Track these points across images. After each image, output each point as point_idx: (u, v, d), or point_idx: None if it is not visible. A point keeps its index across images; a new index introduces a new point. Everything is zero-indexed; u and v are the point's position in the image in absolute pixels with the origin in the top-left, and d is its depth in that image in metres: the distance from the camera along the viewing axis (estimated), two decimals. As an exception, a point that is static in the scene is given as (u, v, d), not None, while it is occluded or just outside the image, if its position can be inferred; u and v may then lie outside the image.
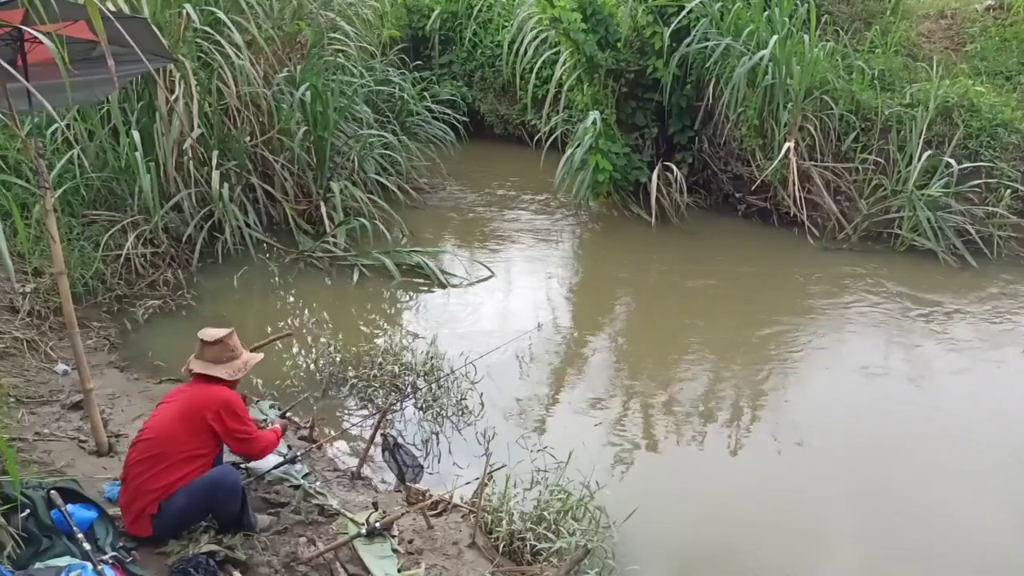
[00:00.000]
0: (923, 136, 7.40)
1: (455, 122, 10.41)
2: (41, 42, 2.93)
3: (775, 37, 7.47)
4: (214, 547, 3.25)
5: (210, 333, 3.50)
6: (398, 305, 6.79)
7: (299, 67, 7.92)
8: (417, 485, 4.19)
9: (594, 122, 7.95)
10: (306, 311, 6.72)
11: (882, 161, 7.64)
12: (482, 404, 5.08)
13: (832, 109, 7.70)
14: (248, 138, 7.39)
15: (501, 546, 3.64)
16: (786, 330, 6.23)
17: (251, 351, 4.37)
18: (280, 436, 3.75)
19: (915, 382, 5.55)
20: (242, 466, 3.91)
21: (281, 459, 3.96)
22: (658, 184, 8.06)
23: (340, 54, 8.71)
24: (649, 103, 8.56)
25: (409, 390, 5.16)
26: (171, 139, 6.56)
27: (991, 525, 4.12)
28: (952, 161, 7.22)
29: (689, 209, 8.30)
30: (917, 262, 7.25)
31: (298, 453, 4.07)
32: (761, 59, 7.47)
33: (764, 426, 5.04)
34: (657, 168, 8.16)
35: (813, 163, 7.76)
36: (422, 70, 11.51)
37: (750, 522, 4.13)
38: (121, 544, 3.24)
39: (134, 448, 3.36)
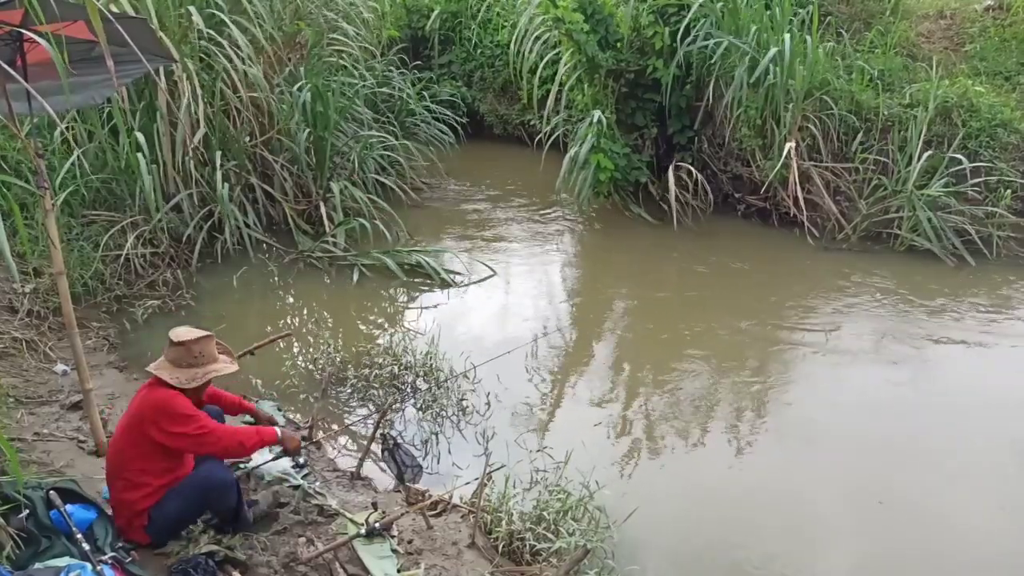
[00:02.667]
0: (923, 136, 7.40)
1: (455, 122, 10.41)
2: (40, 42, 2.93)
3: (787, 36, 7.46)
4: (214, 547, 3.24)
5: (178, 333, 3.26)
6: (398, 305, 6.79)
7: (300, 67, 7.93)
8: (416, 485, 4.19)
9: (598, 121, 7.96)
10: (306, 311, 6.72)
11: (882, 161, 7.65)
12: (488, 404, 5.09)
13: (832, 109, 7.71)
14: (248, 138, 7.40)
15: (500, 546, 3.64)
16: (785, 330, 6.23)
17: (250, 353, 4.38)
18: (262, 437, 3.33)
19: (914, 382, 5.55)
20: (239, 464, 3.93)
21: (272, 456, 3.96)
22: (667, 184, 8.06)
23: (340, 54, 8.71)
24: (649, 103, 8.56)
25: (409, 390, 5.17)
26: (177, 140, 6.57)
27: (990, 525, 4.12)
28: (961, 157, 7.22)
29: (689, 209, 8.31)
30: (916, 262, 7.25)
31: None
32: (772, 59, 7.42)
33: (764, 426, 5.05)
34: (671, 168, 8.16)
35: (813, 163, 7.77)
36: (422, 70, 11.51)
37: (750, 522, 4.14)
38: (120, 544, 3.24)
39: (108, 458, 3.30)
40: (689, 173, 8.27)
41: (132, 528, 3.25)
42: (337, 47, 8.73)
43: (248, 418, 4.02)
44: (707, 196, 8.32)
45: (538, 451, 4.49)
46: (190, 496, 3.25)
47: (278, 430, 3.45)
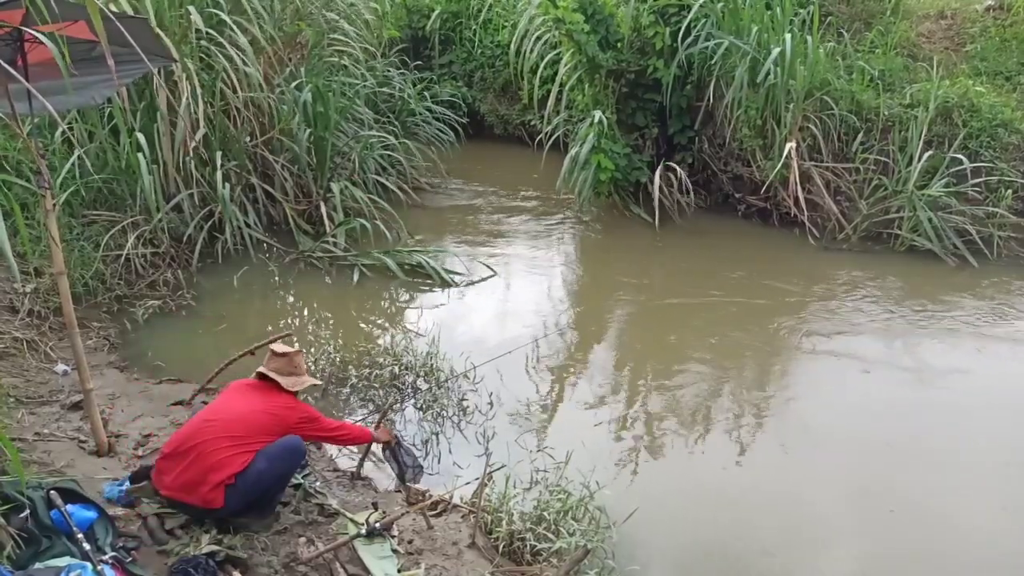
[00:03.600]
0: (923, 136, 7.40)
1: (456, 123, 10.41)
2: (41, 42, 2.93)
3: (788, 36, 7.46)
4: (214, 547, 3.25)
5: (280, 347, 3.85)
6: (398, 305, 6.79)
7: (301, 68, 7.93)
8: (417, 485, 4.19)
9: (599, 121, 7.95)
10: (306, 311, 6.72)
11: (883, 161, 7.64)
12: (489, 404, 5.09)
13: (833, 109, 7.71)
14: (248, 138, 7.40)
15: (501, 546, 3.64)
16: (786, 331, 6.23)
17: (250, 353, 4.49)
18: (361, 434, 4.08)
19: (915, 382, 5.55)
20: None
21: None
22: (660, 184, 8.06)
23: (341, 55, 8.71)
24: (649, 103, 8.57)
25: (409, 390, 5.16)
26: (177, 140, 6.57)
27: (992, 525, 4.12)
28: (962, 157, 7.22)
29: (689, 209, 8.31)
30: (917, 262, 7.25)
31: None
32: (776, 58, 7.40)
33: (764, 426, 5.05)
34: (659, 168, 8.16)
35: (813, 163, 7.77)
36: (422, 70, 11.52)
37: (750, 522, 4.14)
38: (121, 544, 3.24)
39: (210, 425, 3.44)
40: (690, 171, 8.27)
41: (215, 488, 3.33)
42: (337, 47, 8.73)
43: None
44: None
45: (538, 451, 4.49)
46: (278, 458, 3.48)
47: (372, 431, 4.16)
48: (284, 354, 3.79)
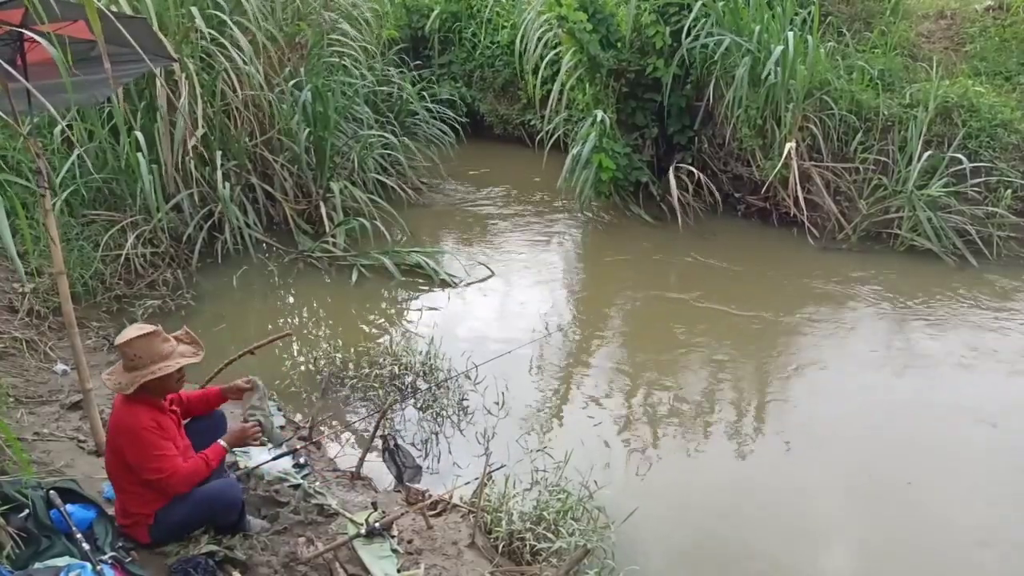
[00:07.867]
0: (923, 136, 7.40)
1: (455, 122, 10.42)
2: (40, 42, 2.93)
3: (790, 35, 7.46)
4: (214, 547, 3.24)
5: (122, 334, 3.12)
6: (397, 305, 6.79)
7: (301, 68, 7.93)
8: (416, 485, 4.19)
9: (600, 120, 7.95)
10: (306, 311, 6.72)
11: (882, 161, 7.64)
12: (488, 404, 5.08)
13: (832, 109, 7.71)
14: (248, 138, 7.39)
15: (500, 546, 3.64)
16: (786, 330, 6.23)
17: (250, 352, 4.39)
18: (218, 458, 3.28)
19: (914, 381, 5.55)
20: (239, 461, 3.94)
21: (272, 456, 3.95)
22: (667, 185, 8.06)
23: (341, 55, 8.72)
24: (649, 103, 8.57)
25: (409, 390, 5.16)
26: (176, 139, 6.57)
27: (989, 523, 4.13)
28: (961, 157, 7.21)
29: (689, 209, 8.31)
30: (916, 262, 7.25)
31: (289, 449, 4.05)
32: (778, 57, 7.40)
33: (764, 426, 5.05)
34: (672, 169, 8.17)
35: (813, 163, 7.76)
36: (422, 70, 11.52)
37: (750, 521, 4.14)
38: (120, 544, 3.23)
39: (110, 454, 3.24)
40: (690, 174, 8.28)
41: (136, 526, 3.25)
42: (337, 47, 8.73)
43: None
44: (713, 196, 8.29)
45: (538, 451, 4.49)
46: (198, 505, 3.23)
47: (223, 442, 3.31)
48: (117, 345, 3.10)
